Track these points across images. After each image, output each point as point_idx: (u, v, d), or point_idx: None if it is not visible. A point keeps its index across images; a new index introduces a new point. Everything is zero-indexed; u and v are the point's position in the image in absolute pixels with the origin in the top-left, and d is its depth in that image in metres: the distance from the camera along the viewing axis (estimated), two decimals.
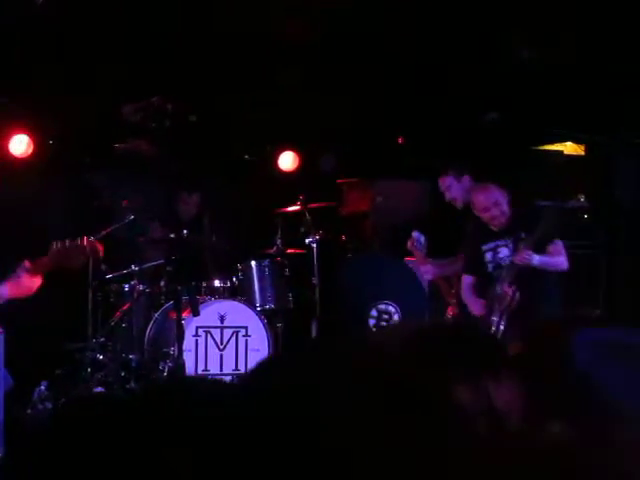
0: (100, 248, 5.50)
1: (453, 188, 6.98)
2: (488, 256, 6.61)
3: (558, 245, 6.51)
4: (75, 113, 8.55)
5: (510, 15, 7.41)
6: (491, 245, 6.58)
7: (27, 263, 5.15)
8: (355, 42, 7.66)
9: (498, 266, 6.55)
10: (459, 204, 7.02)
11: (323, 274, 8.46)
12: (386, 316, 6.31)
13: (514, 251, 6.44)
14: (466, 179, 6.96)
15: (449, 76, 8.24)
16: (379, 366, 1.12)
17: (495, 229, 6.56)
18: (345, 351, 1.17)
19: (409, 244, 7.06)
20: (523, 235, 6.44)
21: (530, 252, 6.31)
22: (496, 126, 9.01)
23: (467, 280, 6.75)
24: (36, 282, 5.21)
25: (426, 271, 7.01)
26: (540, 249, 6.41)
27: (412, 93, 8.61)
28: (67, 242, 5.29)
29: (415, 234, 7.02)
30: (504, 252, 6.53)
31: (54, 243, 5.29)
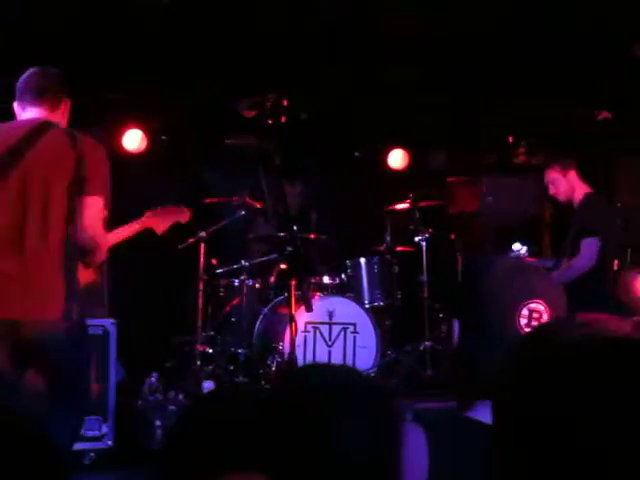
0: (188, 214, 5.78)
1: (558, 182, 6.91)
2: None
3: (585, 242, 6.54)
4: (188, 108, 8.65)
5: (625, 11, 7.25)
6: None
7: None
8: (466, 39, 7.57)
9: None
10: (562, 198, 6.96)
11: (431, 272, 8.42)
12: (536, 315, 6.28)
13: None
14: (572, 174, 6.87)
15: (559, 73, 8.09)
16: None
17: None
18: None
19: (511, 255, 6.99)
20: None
21: None
22: (608, 125, 8.83)
23: None
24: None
25: None
26: (575, 245, 6.58)
27: (521, 90, 8.48)
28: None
29: (516, 245, 6.94)
30: None
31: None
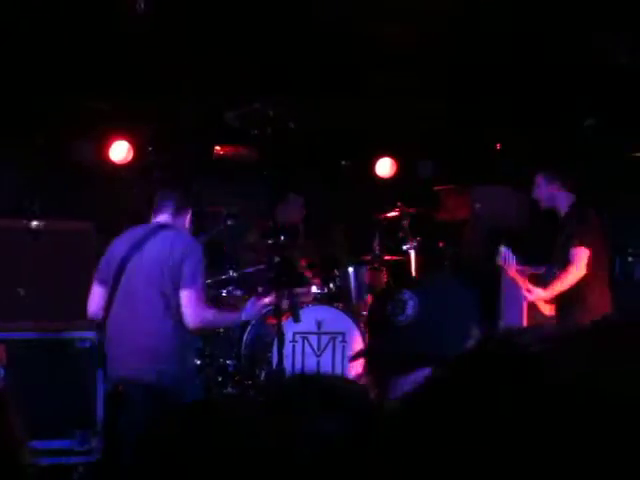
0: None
1: (541, 189, 6.96)
2: None
3: (573, 251, 6.57)
4: (174, 119, 8.64)
5: (610, 18, 7.26)
6: None
7: None
8: (452, 47, 7.58)
9: None
10: (541, 204, 7.01)
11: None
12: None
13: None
14: (556, 185, 6.90)
15: (546, 81, 8.11)
16: None
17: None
18: None
19: (498, 260, 7.00)
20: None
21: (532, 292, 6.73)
22: (594, 132, 8.84)
23: None
24: None
25: (531, 299, 6.93)
26: (564, 253, 6.62)
27: (510, 98, 8.49)
28: None
29: (502, 249, 6.95)
30: None
31: None
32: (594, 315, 6.35)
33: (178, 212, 5.67)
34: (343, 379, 1.77)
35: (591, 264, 6.57)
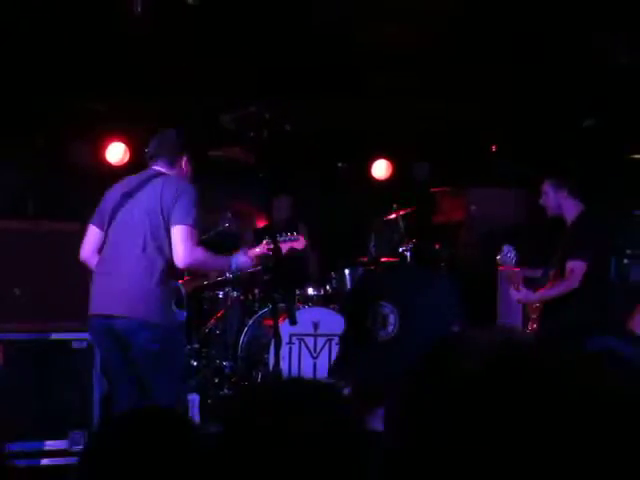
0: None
1: (549, 196, 6.93)
2: None
3: (571, 264, 6.52)
4: (171, 121, 8.63)
5: (610, 18, 7.27)
6: None
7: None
8: (450, 48, 7.58)
9: None
10: (549, 211, 6.98)
11: None
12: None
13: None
14: (563, 193, 6.88)
15: (545, 81, 8.11)
16: None
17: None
18: None
19: (499, 258, 6.99)
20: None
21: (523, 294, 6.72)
22: (593, 133, 8.85)
23: None
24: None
25: (519, 297, 6.92)
26: (562, 261, 6.56)
27: (507, 99, 8.50)
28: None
29: (505, 248, 6.93)
30: None
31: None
32: (578, 322, 6.36)
33: (173, 160, 5.62)
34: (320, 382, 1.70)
35: (586, 278, 6.55)
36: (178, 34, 7.01)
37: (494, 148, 9.71)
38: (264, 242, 5.78)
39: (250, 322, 7.98)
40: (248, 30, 7.10)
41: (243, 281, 8.31)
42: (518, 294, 6.79)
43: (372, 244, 8.60)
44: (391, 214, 8.58)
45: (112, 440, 1.69)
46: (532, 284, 6.94)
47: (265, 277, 7.93)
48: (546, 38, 7.24)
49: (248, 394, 1.67)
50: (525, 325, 7.24)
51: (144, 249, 5.26)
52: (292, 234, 6.02)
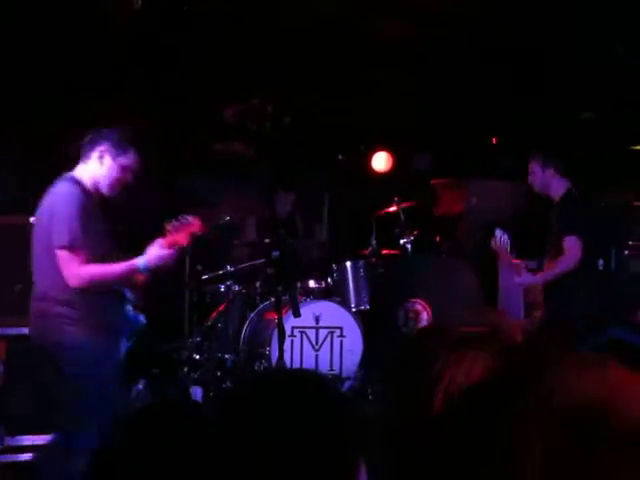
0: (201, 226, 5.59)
1: (536, 175, 6.99)
2: None
3: (567, 240, 6.61)
4: (172, 115, 8.64)
5: (608, 12, 7.27)
6: None
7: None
8: (449, 41, 7.59)
9: None
10: (536, 189, 7.06)
11: None
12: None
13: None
14: (550, 172, 6.93)
15: (544, 75, 8.12)
16: None
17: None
18: None
19: (493, 243, 7.03)
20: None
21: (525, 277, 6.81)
22: (591, 125, 8.86)
23: None
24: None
25: (520, 281, 6.97)
26: (557, 242, 6.65)
27: (506, 92, 8.50)
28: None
29: (498, 232, 6.98)
30: None
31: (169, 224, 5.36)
32: (579, 303, 6.42)
33: (84, 157, 5.24)
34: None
35: (581, 253, 6.62)
36: (178, 28, 7.02)
37: (495, 140, 9.72)
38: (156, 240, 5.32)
39: (252, 315, 7.99)
40: (248, 23, 7.11)
41: (245, 275, 8.32)
42: (521, 279, 6.85)
43: (373, 237, 8.62)
44: (392, 206, 8.59)
45: (126, 438, 1.69)
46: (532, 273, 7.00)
47: (268, 270, 7.94)
48: (544, 32, 7.25)
49: (238, 389, 1.69)
50: (527, 313, 7.28)
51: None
52: (184, 218, 5.43)
